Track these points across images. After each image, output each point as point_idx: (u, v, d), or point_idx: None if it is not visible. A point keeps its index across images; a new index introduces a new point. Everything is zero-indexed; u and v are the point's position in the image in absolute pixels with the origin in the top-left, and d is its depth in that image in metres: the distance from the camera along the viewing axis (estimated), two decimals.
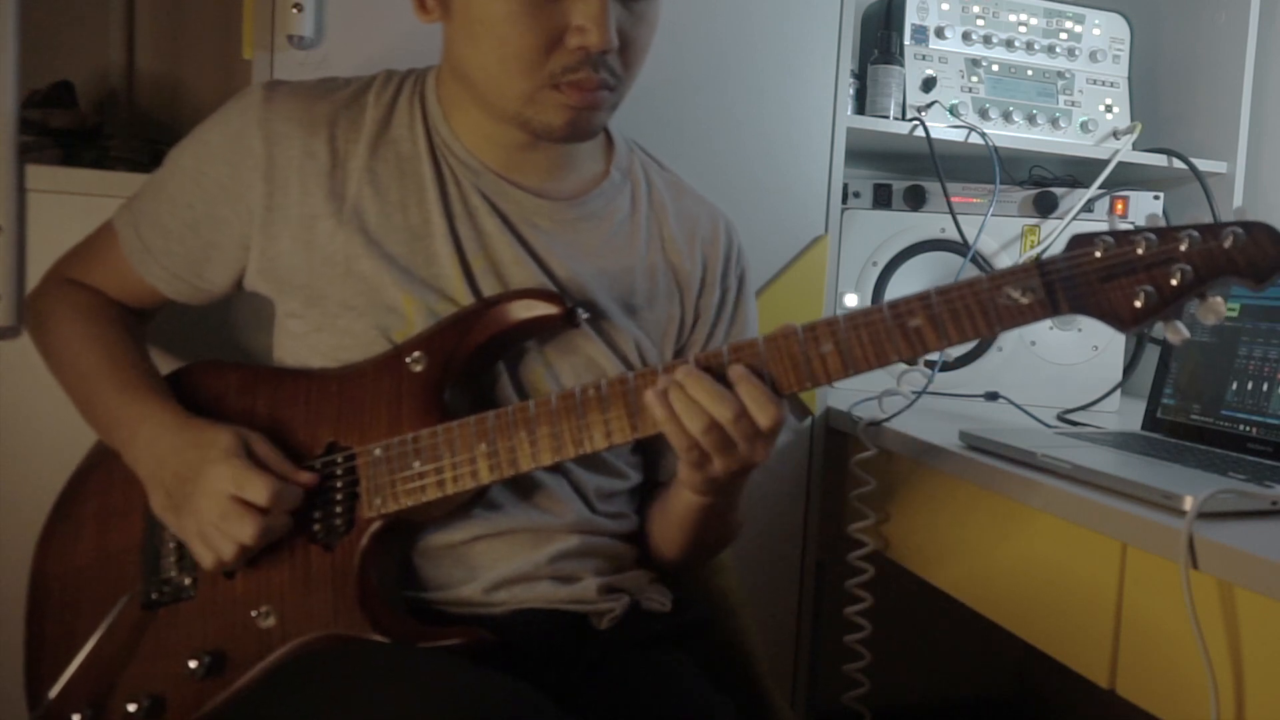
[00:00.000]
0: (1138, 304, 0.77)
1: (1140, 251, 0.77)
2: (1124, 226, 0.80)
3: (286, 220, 0.94)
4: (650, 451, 1.05)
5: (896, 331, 0.82)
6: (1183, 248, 0.77)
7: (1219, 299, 0.77)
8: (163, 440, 0.90)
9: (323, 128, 0.95)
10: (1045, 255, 0.80)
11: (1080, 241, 0.79)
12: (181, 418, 0.92)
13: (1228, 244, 0.76)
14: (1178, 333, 0.78)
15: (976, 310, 0.80)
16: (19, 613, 0.98)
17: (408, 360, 0.91)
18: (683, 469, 0.88)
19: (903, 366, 1.54)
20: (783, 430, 0.84)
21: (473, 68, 0.91)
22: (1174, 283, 0.76)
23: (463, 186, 0.96)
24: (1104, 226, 0.80)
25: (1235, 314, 1.21)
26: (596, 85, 0.89)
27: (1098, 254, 0.78)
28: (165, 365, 1.02)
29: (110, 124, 1.54)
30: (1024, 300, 0.79)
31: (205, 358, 1.02)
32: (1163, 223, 0.79)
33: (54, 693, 0.90)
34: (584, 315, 0.93)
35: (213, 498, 0.85)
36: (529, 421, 0.87)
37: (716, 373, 0.83)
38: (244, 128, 0.94)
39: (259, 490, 0.84)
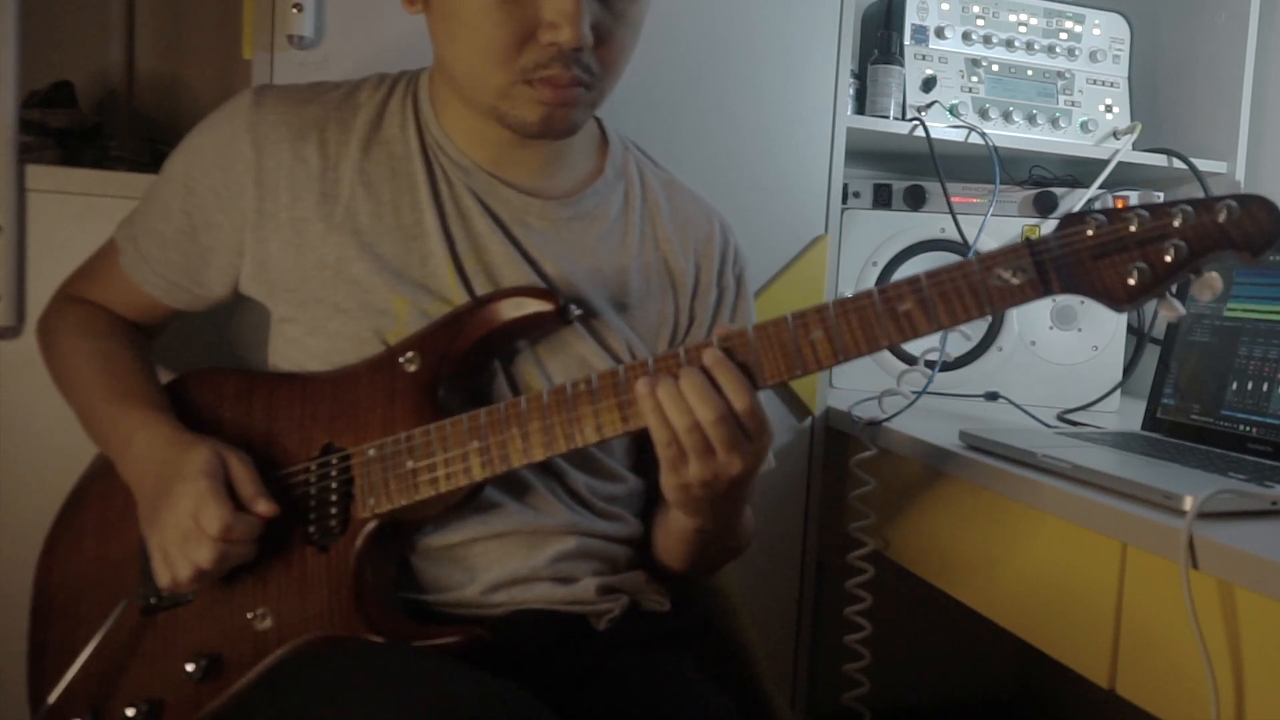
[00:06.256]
0: (1131, 281, 0.76)
1: (1133, 228, 0.76)
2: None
3: (277, 224, 0.94)
4: (649, 457, 1.05)
5: (886, 316, 0.80)
6: (1176, 223, 0.75)
7: (1214, 274, 0.75)
8: (150, 453, 0.90)
9: (312, 131, 0.94)
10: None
11: (1072, 220, 0.78)
12: (170, 431, 0.91)
13: (1222, 218, 0.74)
14: (1173, 309, 0.77)
15: (967, 292, 0.79)
16: (19, 613, 0.98)
17: (401, 360, 0.91)
18: (662, 473, 0.85)
19: (903, 366, 1.54)
20: (767, 455, 0.84)
21: (450, 61, 0.91)
22: (1168, 259, 0.75)
23: (454, 186, 0.96)
24: None
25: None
26: (569, 82, 0.88)
27: (1089, 232, 0.77)
28: (166, 376, 1.02)
29: (110, 124, 1.54)
30: (1015, 281, 0.78)
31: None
32: None
33: (53, 698, 0.90)
34: (576, 312, 0.92)
35: (177, 516, 0.84)
36: (520, 417, 0.87)
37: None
38: (233, 133, 0.94)
39: (211, 519, 0.83)
